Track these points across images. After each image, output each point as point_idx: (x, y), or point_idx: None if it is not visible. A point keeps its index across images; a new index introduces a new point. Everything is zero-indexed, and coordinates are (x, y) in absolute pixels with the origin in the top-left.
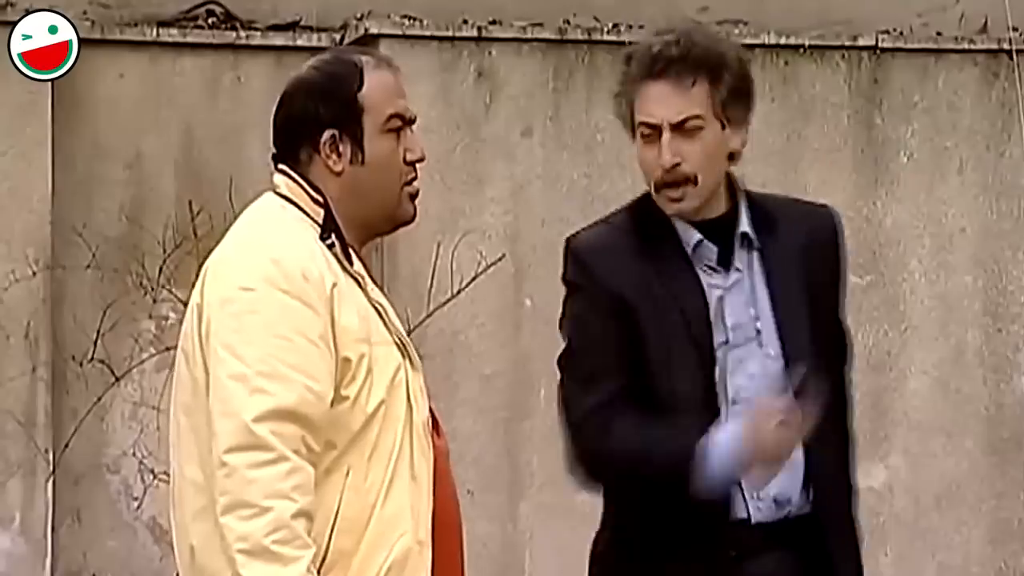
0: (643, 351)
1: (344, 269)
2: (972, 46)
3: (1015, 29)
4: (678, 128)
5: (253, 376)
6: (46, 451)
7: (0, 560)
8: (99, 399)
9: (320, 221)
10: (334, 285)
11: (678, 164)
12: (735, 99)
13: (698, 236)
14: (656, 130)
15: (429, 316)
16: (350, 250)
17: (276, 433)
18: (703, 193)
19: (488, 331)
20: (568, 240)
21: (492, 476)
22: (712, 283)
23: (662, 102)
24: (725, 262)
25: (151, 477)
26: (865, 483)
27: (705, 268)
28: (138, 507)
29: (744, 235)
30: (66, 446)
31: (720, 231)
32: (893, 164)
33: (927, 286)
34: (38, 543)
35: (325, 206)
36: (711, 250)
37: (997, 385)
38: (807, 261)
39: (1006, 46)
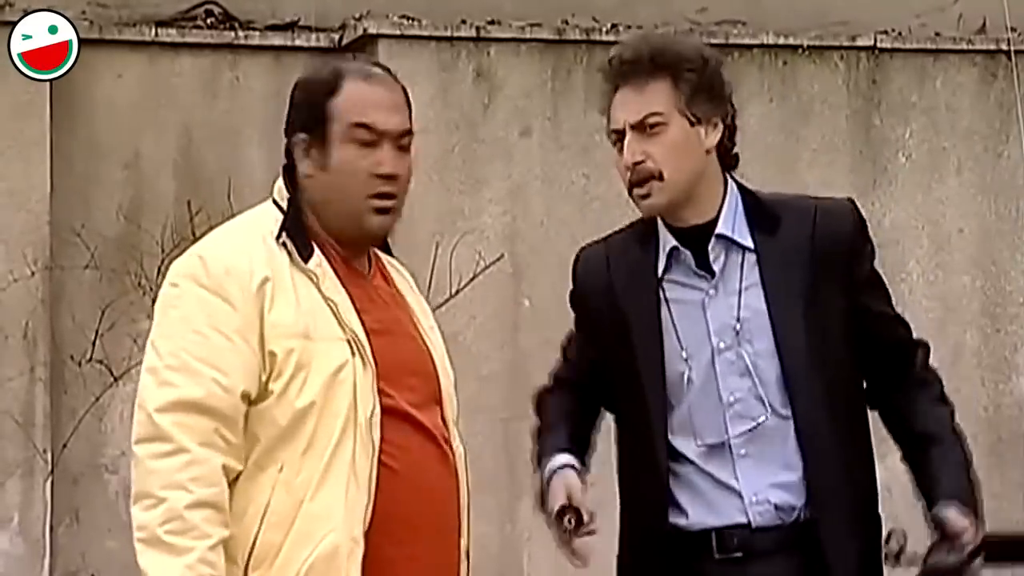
0: (605, 362)
1: (297, 267)
2: (970, 47)
3: (1014, 30)
4: (639, 127)
5: (163, 369)
6: (44, 451)
7: None
8: (97, 399)
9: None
10: (265, 280)
11: (641, 161)
12: (700, 95)
13: (673, 243)
14: (621, 135)
15: None
16: (313, 247)
17: (179, 424)
18: (672, 189)
19: (486, 331)
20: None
21: (490, 476)
22: (695, 289)
23: (623, 106)
24: (709, 267)
25: None
26: None
27: (690, 274)
28: None
29: (723, 237)
30: (64, 446)
31: (708, 236)
32: (891, 164)
33: (925, 286)
34: (36, 543)
35: (290, 203)
36: (687, 255)
37: (995, 386)
38: (812, 259)
39: (1004, 47)
